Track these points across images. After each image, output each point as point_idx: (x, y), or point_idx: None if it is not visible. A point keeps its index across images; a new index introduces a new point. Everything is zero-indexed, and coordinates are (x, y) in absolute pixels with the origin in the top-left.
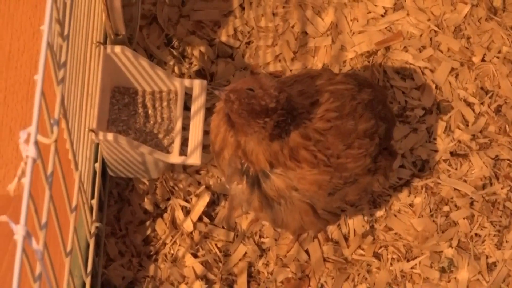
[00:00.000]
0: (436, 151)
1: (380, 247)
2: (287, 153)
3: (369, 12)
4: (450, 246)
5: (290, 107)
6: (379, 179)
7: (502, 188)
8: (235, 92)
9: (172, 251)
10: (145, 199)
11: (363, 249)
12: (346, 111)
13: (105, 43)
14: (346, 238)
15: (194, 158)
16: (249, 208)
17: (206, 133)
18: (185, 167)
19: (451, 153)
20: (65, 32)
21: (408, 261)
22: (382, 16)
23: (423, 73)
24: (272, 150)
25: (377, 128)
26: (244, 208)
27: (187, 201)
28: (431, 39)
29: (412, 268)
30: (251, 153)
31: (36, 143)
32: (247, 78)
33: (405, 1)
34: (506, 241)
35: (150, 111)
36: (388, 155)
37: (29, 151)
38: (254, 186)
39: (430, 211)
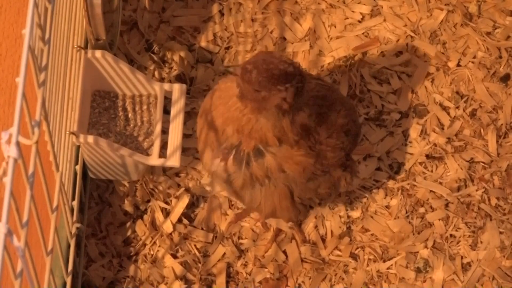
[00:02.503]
0: (412, 154)
1: (357, 248)
2: (295, 129)
3: (347, 18)
4: (426, 246)
5: (304, 77)
6: (347, 177)
7: (476, 190)
8: (251, 63)
9: (152, 252)
10: (126, 201)
11: (340, 250)
12: (328, 103)
13: (86, 47)
14: (323, 239)
15: (173, 160)
16: (227, 187)
17: (185, 136)
18: (164, 170)
19: (427, 156)
20: (46, 36)
21: (384, 261)
22: (359, 22)
23: (399, 77)
24: (281, 126)
25: (351, 127)
26: (221, 187)
27: (166, 203)
28: (407, 44)
29: (388, 268)
30: (259, 129)
31: (18, 143)
32: (259, 53)
33: (382, 7)
34: (481, 242)
35: (130, 115)
36: (351, 158)
37: (10, 151)
38: (242, 164)
39: (406, 212)
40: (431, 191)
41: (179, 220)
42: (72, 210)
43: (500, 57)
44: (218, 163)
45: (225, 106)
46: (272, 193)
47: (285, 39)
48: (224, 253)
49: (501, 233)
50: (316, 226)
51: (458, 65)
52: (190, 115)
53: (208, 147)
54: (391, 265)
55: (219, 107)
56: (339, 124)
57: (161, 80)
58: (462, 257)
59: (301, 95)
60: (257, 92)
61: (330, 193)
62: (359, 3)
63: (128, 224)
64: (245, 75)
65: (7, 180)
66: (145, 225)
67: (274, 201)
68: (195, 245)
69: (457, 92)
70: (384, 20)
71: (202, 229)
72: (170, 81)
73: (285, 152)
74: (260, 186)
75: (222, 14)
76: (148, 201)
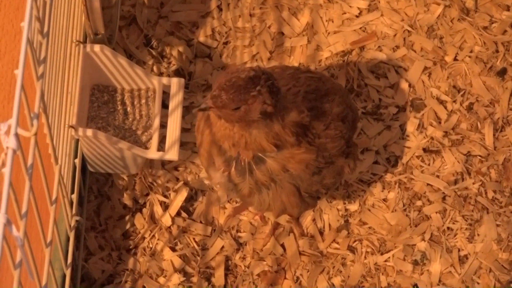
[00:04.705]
0: (409, 147)
1: (355, 241)
2: (288, 130)
3: (344, 13)
4: (423, 239)
5: (270, 75)
6: (350, 164)
7: (473, 183)
8: (216, 89)
9: (150, 245)
10: (125, 195)
11: (338, 243)
12: (321, 94)
13: (85, 42)
14: (321, 232)
15: (172, 154)
16: (234, 196)
17: (183, 130)
18: (163, 164)
19: (424, 150)
20: (45, 30)
21: (381, 254)
22: (357, 16)
23: (396, 72)
24: (274, 132)
25: (347, 113)
26: (228, 196)
27: (165, 196)
28: (404, 39)
29: (385, 261)
30: (254, 141)
31: (16, 135)
32: (218, 77)
33: (379, 2)
34: (478, 235)
35: (129, 109)
36: (352, 143)
37: (9, 143)
38: (246, 173)
39: (403, 205)
40: (428, 184)
41: (178, 214)
42: (71, 203)
43: (497, 51)
44: (222, 175)
45: (216, 126)
46: (279, 194)
47: (283, 34)
48: (223, 246)
49: (498, 225)
50: (314, 220)
51: (455, 59)
52: (188, 109)
53: (210, 161)
54: (389, 257)
55: (213, 126)
56: (335, 113)
57: (160, 75)
58: (459, 250)
59: (279, 92)
60: (237, 110)
61: (335, 182)
62: None
63: (127, 218)
64: (217, 102)
65: (6, 170)
66: (144, 219)
67: (283, 201)
68: (193, 238)
69: (454, 86)
70: (382, 15)
71: (200, 222)
72: (168, 76)
73: (286, 152)
74: (267, 189)
75: (220, 9)
76: (147, 194)
